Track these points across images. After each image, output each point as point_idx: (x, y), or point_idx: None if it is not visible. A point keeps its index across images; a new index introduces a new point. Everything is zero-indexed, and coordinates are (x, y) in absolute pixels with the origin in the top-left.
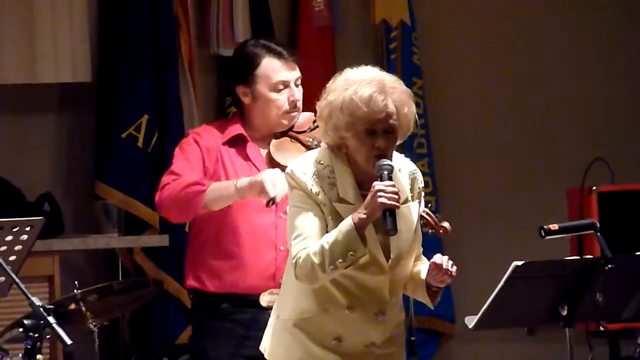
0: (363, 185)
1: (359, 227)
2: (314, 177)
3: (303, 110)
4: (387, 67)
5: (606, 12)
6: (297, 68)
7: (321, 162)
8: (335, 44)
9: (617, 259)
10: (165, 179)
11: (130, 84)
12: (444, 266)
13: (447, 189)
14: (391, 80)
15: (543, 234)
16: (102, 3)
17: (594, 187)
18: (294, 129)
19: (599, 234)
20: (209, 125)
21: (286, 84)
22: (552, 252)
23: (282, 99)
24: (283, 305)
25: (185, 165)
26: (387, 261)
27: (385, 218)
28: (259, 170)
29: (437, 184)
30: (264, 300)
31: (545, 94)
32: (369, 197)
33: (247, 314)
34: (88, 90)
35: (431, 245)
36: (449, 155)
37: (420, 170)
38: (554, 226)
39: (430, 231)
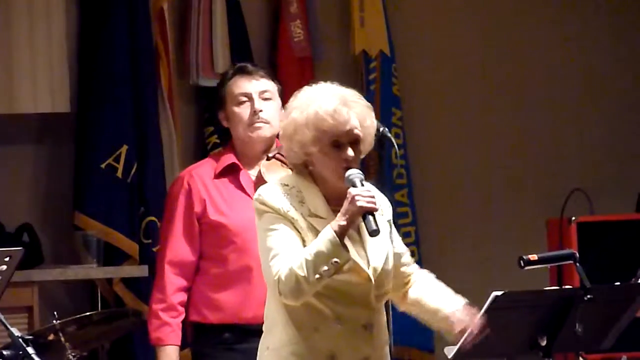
0: (331, 202)
1: (340, 234)
2: (283, 196)
3: None
4: (367, 98)
5: (585, 43)
6: (264, 81)
7: (286, 185)
8: (314, 74)
9: (596, 289)
10: (158, 262)
11: (110, 114)
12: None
13: (427, 219)
14: (352, 94)
15: (522, 264)
16: (81, 33)
17: (573, 218)
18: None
19: (578, 264)
20: (204, 161)
21: (248, 96)
22: (532, 282)
23: (243, 111)
24: (271, 335)
25: (173, 240)
26: (368, 267)
27: (367, 220)
28: (251, 198)
29: (417, 215)
30: None
31: (525, 125)
32: (345, 204)
33: (249, 343)
34: (67, 120)
35: None
36: (429, 185)
37: (400, 201)
38: (534, 256)
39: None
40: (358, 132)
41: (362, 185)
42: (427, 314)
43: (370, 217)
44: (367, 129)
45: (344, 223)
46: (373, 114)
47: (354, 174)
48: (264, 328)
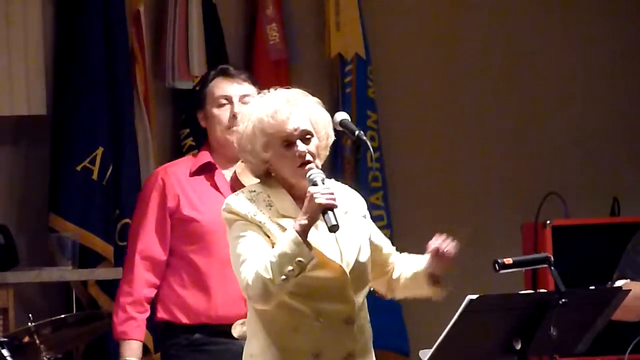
0: (299, 202)
1: (301, 232)
2: (249, 201)
3: None
4: (342, 101)
5: (559, 48)
6: (246, 85)
7: (253, 191)
8: (290, 77)
9: (571, 293)
10: (127, 256)
11: (86, 116)
12: (441, 249)
13: (402, 222)
14: (296, 92)
15: (497, 267)
16: (58, 36)
17: (548, 222)
18: None
19: (552, 268)
20: (181, 159)
21: (228, 99)
22: (507, 286)
23: (222, 114)
24: (252, 342)
25: (144, 234)
26: (342, 261)
27: (326, 216)
28: (224, 197)
29: (392, 217)
30: (236, 330)
31: (500, 129)
32: (305, 203)
33: (219, 344)
34: (43, 122)
35: None
36: (404, 189)
37: (375, 204)
38: (508, 260)
39: None
40: (306, 127)
41: (323, 183)
42: (411, 282)
43: (330, 213)
44: (318, 122)
45: (305, 222)
46: (323, 109)
47: (315, 173)
48: (247, 336)
